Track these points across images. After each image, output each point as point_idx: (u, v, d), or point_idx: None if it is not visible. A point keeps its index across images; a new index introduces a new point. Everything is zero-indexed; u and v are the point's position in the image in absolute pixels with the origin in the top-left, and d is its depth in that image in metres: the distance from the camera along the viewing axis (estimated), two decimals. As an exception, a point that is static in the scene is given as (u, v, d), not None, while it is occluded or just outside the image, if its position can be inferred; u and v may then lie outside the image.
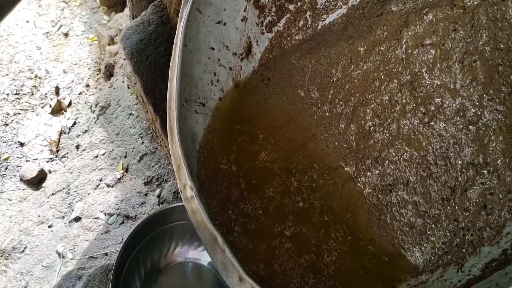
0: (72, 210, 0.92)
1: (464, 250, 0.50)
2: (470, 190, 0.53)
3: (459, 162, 0.54)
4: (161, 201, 0.93)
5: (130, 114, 0.90)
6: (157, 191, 0.94)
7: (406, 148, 0.56)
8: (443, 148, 0.55)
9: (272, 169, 0.59)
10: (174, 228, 0.78)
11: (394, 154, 0.57)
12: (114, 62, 1.01)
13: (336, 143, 0.62)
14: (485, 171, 0.52)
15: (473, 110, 0.55)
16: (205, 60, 0.61)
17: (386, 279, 0.50)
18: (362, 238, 0.54)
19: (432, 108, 0.57)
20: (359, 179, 0.60)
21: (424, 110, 0.58)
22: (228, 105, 0.65)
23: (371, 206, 0.58)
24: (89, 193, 0.88)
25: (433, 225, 0.52)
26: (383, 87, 0.61)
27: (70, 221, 0.90)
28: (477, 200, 0.52)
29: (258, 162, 0.59)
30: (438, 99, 0.57)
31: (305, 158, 0.59)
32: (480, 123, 0.54)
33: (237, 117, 0.63)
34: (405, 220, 0.56)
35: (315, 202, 0.56)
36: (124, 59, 0.90)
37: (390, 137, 0.58)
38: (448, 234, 0.51)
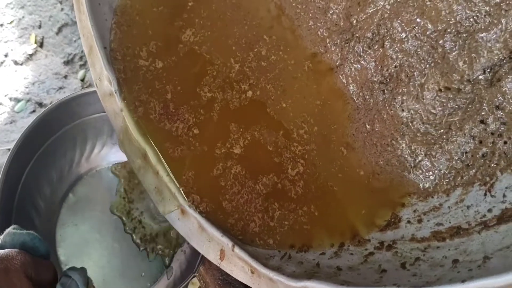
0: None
1: (494, 164, 0.33)
2: (505, 79, 0.35)
3: (493, 36, 0.36)
4: (85, 86, 0.72)
5: (47, -33, 0.70)
6: (81, 73, 0.73)
7: (417, 20, 0.38)
8: (471, 19, 0.37)
9: (200, 54, 0.39)
10: (97, 121, 0.58)
11: (399, 29, 0.39)
12: None
13: (311, 23, 0.43)
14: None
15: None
16: None
17: (377, 203, 0.33)
18: (334, 130, 0.36)
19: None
20: (342, 71, 0.41)
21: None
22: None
23: (354, 110, 0.40)
24: (-10, 71, 0.68)
25: (450, 129, 0.35)
26: None
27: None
28: (516, 92, 0.35)
29: (181, 46, 0.39)
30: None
31: (251, 29, 0.40)
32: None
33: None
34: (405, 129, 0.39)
35: (267, 86, 0.38)
36: None
37: (395, 4, 0.39)
38: (471, 141, 0.34)
